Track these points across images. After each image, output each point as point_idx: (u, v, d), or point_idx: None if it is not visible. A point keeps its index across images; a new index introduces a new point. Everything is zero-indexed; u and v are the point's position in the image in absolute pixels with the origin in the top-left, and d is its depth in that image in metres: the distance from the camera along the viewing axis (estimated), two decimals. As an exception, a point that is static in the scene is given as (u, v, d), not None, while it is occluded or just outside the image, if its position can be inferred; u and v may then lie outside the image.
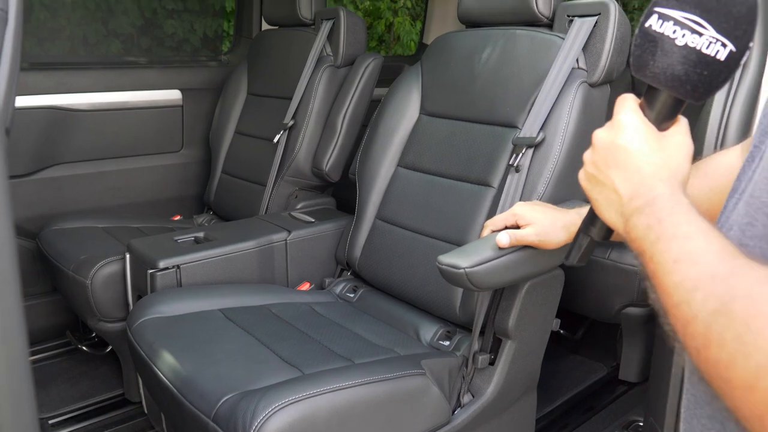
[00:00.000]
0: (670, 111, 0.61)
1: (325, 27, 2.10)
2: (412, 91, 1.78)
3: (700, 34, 0.54)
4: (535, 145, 1.42)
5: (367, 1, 5.92)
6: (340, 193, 2.24)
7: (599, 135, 0.65)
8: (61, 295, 2.12)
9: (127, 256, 1.72)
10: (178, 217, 2.45)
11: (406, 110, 1.78)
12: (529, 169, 1.43)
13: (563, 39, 1.48)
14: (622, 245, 1.94)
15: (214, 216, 2.42)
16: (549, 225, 1.15)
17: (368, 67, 2.03)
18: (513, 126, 1.52)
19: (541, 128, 1.43)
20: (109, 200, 2.41)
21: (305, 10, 2.17)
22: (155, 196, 2.53)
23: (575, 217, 1.12)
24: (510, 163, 1.44)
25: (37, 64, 2.39)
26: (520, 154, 1.43)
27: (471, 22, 1.72)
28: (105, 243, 1.97)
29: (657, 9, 0.57)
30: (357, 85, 2.02)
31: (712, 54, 0.54)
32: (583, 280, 1.97)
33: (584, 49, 1.47)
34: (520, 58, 1.55)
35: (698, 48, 0.55)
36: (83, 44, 4.36)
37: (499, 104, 1.56)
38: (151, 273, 1.58)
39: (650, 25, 0.57)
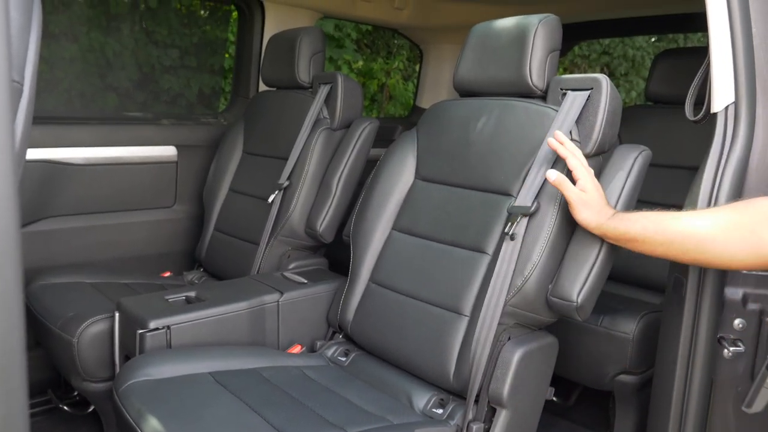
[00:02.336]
0: None
1: (323, 91, 2.14)
2: (408, 156, 1.81)
3: None
4: (530, 214, 1.44)
5: (360, 62, 6.06)
6: (332, 254, 2.24)
7: None
8: (44, 351, 2.07)
9: (116, 314, 1.69)
10: (168, 274, 2.43)
11: (402, 175, 1.80)
12: (524, 237, 1.44)
13: (557, 111, 1.52)
14: (615, 312, 1.95)
15: (205, 273, 2.41)
16: (592, 201, 1.31)
17: (364, 131, 2.06)
18: (507, 194, 1.54)
19: (536, 197, 1.45)
20: (99, 255, 2.40)
21: (303, 74, 2.22)
22: (146, 251, 2.52)
23: (612, 214, 1.30)
24: (505, 231, 1.45)
25: (35, 117, 2.40)
26: (515, 223, 1.44)
27: (467, 92, 1.76)
28: (93, 300, 1.94)
29: None
30: (353, 149, 2.05)
31: None
32: (575, 346, 1.96)
33: (577, 121, 1.51)
34: (515, 128, 1.58)
35: None
36: (80, 97, 4.41)
37: (494, 172, 1.59)
38: (140, 333, 1.56)
39: None
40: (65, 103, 4.29)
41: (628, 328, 1.89)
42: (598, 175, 1.48)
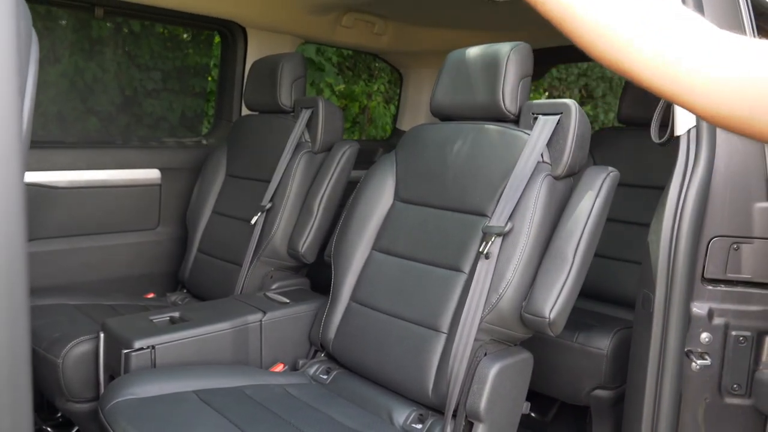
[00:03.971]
0: None
1: (304, 115, 2.20)
2: (387, 178, 1.87)
3: None
4: (504, 234, 1.50)
5: (342, 85, 6.15)
6: (314, 274, 2.28)
7: None
8: (27, 374, 2.08)
9: (101, 335, 1.72)
10: (151, 295, 2.45)
11: (381, 196, 1.86)
12: (498, 256, 1.50)
13: (529, 135, 1.59)
14: (589, 328, 2.01)
15: (188, 294, 2.43)
16: None
17: (345, 154, 2.12)
18: (483, 215, 1.60)
19: (510, 218, 1.51)
20: (82, 276, 2.41)
21: (285, 98, 2.28)
22: (129, 272, 2.54)
23: None
24: (480, 250, 1.51)
25: (19, 142, 2.43)
26: (490, 242, 1.50)
27: (443, 116, 1.83)
28: (78, 321, 1.96)
29: None
30: (334, 171, 2.10)
31: None
32: (552, 362, 2.01)
33: (548, 144, 1.58)
34: (490, 150, 1.65)
35: None
36: (60, 121, 4.43)
37: (470, 194, 1.65)
38: (125, 353, 1.59)
39: None
40: (44, 126, 4.30)
41: (603, 344, 1.95)
42: (566, 197, 1.55)
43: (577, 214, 1.48)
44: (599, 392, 1.98)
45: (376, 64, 6.45)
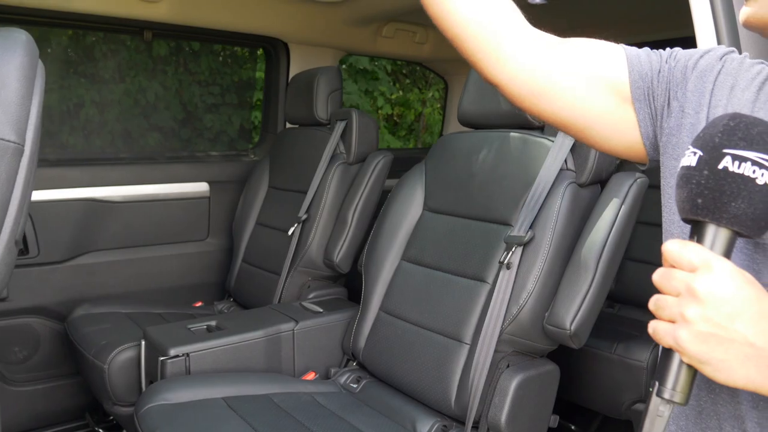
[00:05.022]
0: (732, 249, 0.60)
1: (339, 127, 2.24)
2: (417, 189, 1.88)
3: None
4: (525, 244, 1.48)
5: (396, 93, 6.19)
6: (353, 284, 2.31)
7: (704, 288, 0.56)
8: (82, 378, 2.20)
9: (143, 342, 1.80)
10: (199, 304, 2.54)
11: (411, 206, 1.87)
12: (519, 266, 1.48)
13: (553, 141, 1.57)
14: (629, 339, 1.95)
15: (234, 303, 2.51)
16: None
17: (378, 164, 2.14)
18: (507, 224, 1.59)
19: (531, 227, 1.49)
20: (135, 286, 2.53)
21: (321, 111, 2.33)
22: (180, 282, 2.64)
23: None
24: (501, 260, 1.50)
25: (77, 160, 2.59)
26: (511, 252, 1.49)
27: (470, 124, 1.83)
28: (126, 329, 2.07)
29: (728, 151, 0.56)
30: (367, 182, 2.13)
31: None
32: (590, 374, 1.96)
33: (572, 151, 1.55)
34: (514, 159, 1.64)
35: None
36: (125, 137, 4.66)
37: (494, 203, 1.64)
38: (161, 360, 1.66)
39: (725, 167, 0.56)
40: (111, 143, 4.54)
41: (642, 356, 1.89)
42: (591, 206, 1.52)
43: (601, 222, 1.44)
44: (640, 406, 1.92)
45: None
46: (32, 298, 2.30)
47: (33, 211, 2.30)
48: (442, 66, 3.43)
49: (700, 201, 0.57)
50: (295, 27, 2.71)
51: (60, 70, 4.45)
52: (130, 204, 2.54)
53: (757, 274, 0.68)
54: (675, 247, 0.58)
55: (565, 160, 1.54)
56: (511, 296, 1.47)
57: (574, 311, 1.41)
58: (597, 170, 1.53)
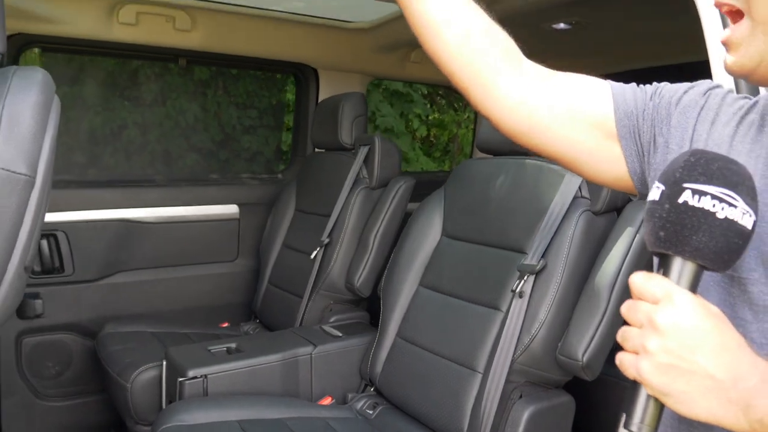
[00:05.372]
0: (698, 282, 0.60)
1: (362, 152, 2.27)
2: (435, 214, 1.89)
3: (735, 207, 0.57)
4: (537, 272, 1.47)
5: (432, 115, 6.22)
6: (375, 307, 2.32)
7: (665, 320, 0.56)
8: (108, 395, 2.27)
9: (164, 363, 1.85)
10: (225, 324, 2.59)
11: (429, 232, 1.88)
12: (531, 294, 1.48)
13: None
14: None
15: (260, 324, 2.55)
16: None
17: (400, 189, 2.16)
18: (521, 251, 1.58)
19: (543, 255, 1.48)
20: (164, 305, 2.60)
21: (346, 137, 2.37)
22: (208, 302, 2.70)
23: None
24: (513, 288, 1.49)
25: (114, 182, 2.69)
26: (523, 280, 1.48)
27: (489, 151, 1.83)
28: (151, 348, 2.12)
29: (688, 185, 0.57)
30: (389, 206, 2.15)
31: (745, 224, 0.57)
32: (608, 404, 1.92)
33: (588, 179, 1.54)
34: (529, 186, 1.64)
35: (736, 220, 0.57)
36: (165, 158, 4.80)
37: (509, 230, 1.64)
38: (180, 381, 1.70)
39: (685, 201, 0.57)
40: (151, 163, 4.68)
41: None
42: (606, 234, 1.50)
43: (615, 251, 1.43)
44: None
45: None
46: (66, 315, 2.38)
47: (70, 231, 2.39)
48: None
49: (662, 234, 0.58)
50: (324, 53, 2.77)
51: (105, 94, 4.63)
52: (162, 225, 2.61)
53: (732, 308, 0.68)
54: (640, 279, 0.59)
55: (580, 188, 1.53)
56: (522, 325, 1.46)
57: (586, 342, 1.39)
58: (612, 198, 1.51)
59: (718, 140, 0.73)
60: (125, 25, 2.30)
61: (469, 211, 1.79)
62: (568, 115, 0.81)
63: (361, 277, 2.13)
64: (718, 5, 0.69)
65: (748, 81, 0.73)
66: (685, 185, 0.58)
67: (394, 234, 2.18)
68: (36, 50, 3.04)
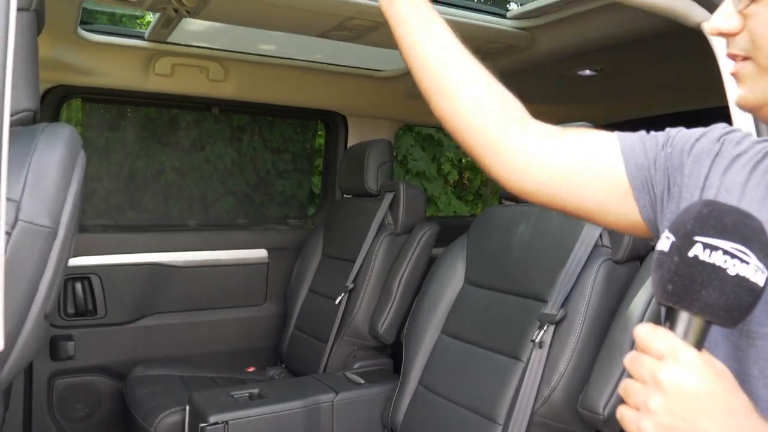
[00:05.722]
0: (705, 337, 0.58)
1: (387, 198, 2.30)
2: (458, 262, 1.89)
3: (747, 263, 0.54)
4: (557, 322, 1.45)
5: (468, 157, 6.25)
6: (400, 354, 2.31)
7: (669, 379, 0.54)
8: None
9: (187, 408, 1.86)
10: (252, 369, 2.60)
11: (452, 279, 1.88)
12: (551, 345, 1.45)
13: (589, 218, 1.55)
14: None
15: (285, 369, 2.56)
16: None
17: (424, 236, 2.17)
18: (542, 300, 1.57)
19: (563, 305, 1.47)
20: (193, 349, 2.63)
21: (371, 183, 2.40)
22: (236, 346, 2.72)
23: None
24: (533, 338, 1.48)
25: (147, 226, 2.77)
26: (543, 330, 1.47)
27: (510, 198, 1.84)
28: (177, 392, 2.14)
29: (699, 239, 0.56)
30: (413, 252, 2.15)
31: (757, 281, 0.55)
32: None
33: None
34: (550, 234, 1.63)
35: (747, 277, 0.54)
36: (201, 202, 4.91)
37: (530, 278, 1.63)
38: (201, 426, 1.71)
39: (696, 255, 0.55)
40: (188, 207, 4.79)
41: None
42: (628, 283, 1.48)
43: (636, 301, 1.40)
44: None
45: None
46: (97, 358, 2.43)
47: (103, 274, 2.46)
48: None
49: (670, 287, 0.56)
50: (353, 101, 2.83)
51: (145, 139, 4.79)
52: (193, 269, 2.66)
53: (741, 363, 0.66)
54: (645, 331, 0.57)
55: (600, 237, 1.52)
56: (542, 376, 1.44)
57: (607, 395, 1.35)
58: (633, 247, 1.49)
59: (730, 187, 0.72)
60: (161, 76, 2.39)
61: (491, 258, 1.78)
62: (577, 171, 0.81)
63: (385, 323, 2.13)
64: (731, 56, 0.70)
65: (756, 117, 0.73)
66: (697, 238, 0.56)
67: (418, 280, 2.18)
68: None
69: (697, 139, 0.78)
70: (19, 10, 0.94)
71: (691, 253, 0.55)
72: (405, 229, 2.26)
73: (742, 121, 1.30)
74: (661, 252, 0.58)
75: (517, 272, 1.68)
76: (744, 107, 0.70)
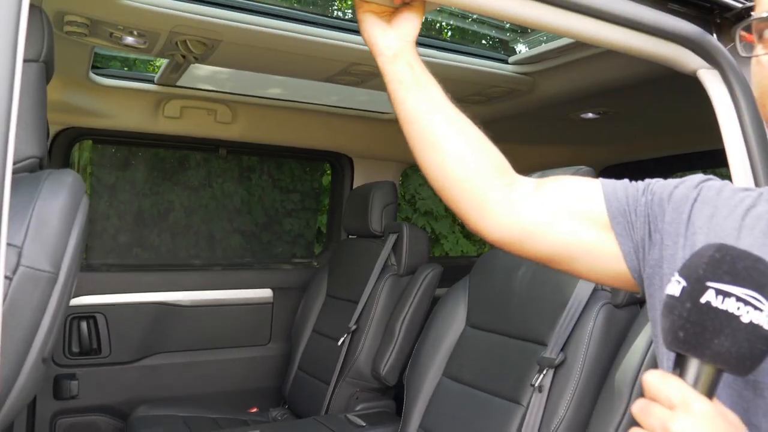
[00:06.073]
0: (716, 386, 0.56)
1: (391, 239, 2.31)
2: (459, 304, 1.89)
3: (761, 311, 0.53)
4: (556, 366, 1.45)
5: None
6: (402, 396, 2.29)
7: (680, 430, 0.52)
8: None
9: (186, 450, 1.86)
10: (255, 409, 2.59)
11: (453, 321, 1.88)
12: (551, 389, 1.45)
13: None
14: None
15: (288, 410, 2.54)
16: None
17: (427, 277, 2.18)
18: (542, 343, 1.57)
19: (562, 348, 1.46)
20: (196, 389, 2.62)
21: (376, 224, 2.42)
22: (239, 386, 2.71)
23: None
24: (532, 383, 1.47)
25: (152, 265, 2.79)
26: (543, 374, 1.46)
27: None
28: (177, 434, 2.13)
29: (712, 285, 0.54)
30: (416, 294, 2.16)
31: None
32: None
33: (609, 272, 1.53)
34: (550, 277, 1.63)
35: (761, 324, 0.53)
36: (208, 239, 4.94)
37: (531, 321, 1.63)
38: (200, 470, 1.70)
39: (708, 302, 0.54)
40: (195, 245, 4.83)
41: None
42: (628, 327, 1.47)
43: (636, 346, 1.39)
44: None
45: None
46: (100, 397, 2.43)
47: (109, 313, 2.48)
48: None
49: (681, 334, 0.54)
50: (359, 142, 2.87)
51: (154, 178, 4.86)
52: (197, 308, 2.67)
53: (746, 413, 0.65)
54: (655, 379, 0.55)
55: (601, 281, 1.52)
56: (542, 421, 1.43)
57: (607, 441, 1.34)
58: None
59: (721, 234, 0.72)
60: (170, 118, 2.44)
61: (492, 301, 1.79)
62: (560, 218, 0.82)
63: (387, 365, 2.13)
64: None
65: None
66: (709, 284, 0.54)
67: (420, 322, 2.17)
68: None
69: (675, 187, 0.79)
70: (27, 61, 0.98)
71: (703, 299, 0.54)
72: (408, 270, 2.27)
73: (738, 163, 1.32)
74: (672, 297, 0.56)
75: (518, 315, 1.68)
76: None
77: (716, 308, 0.53)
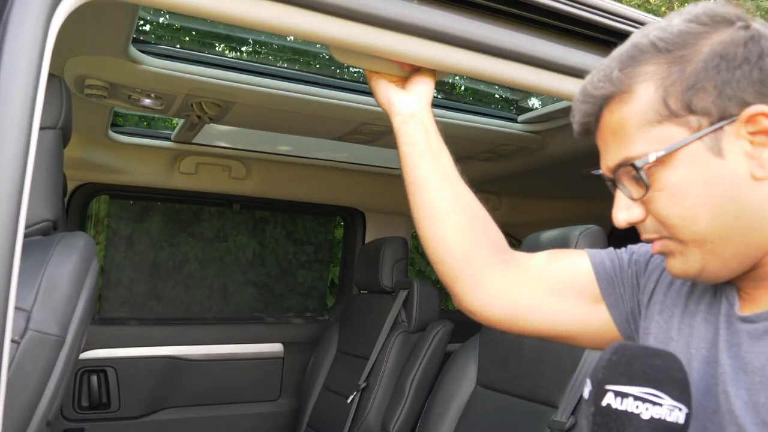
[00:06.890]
0: None
1: (401, 295, 2.31)
2: (470, 362, 1.87)
3: (661, 405, 0.57)
4: (567, 430, 1.42)
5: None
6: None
7: None
8: None
9: None
10: (263, 468, 2.55)
11: (464, 380, 1.85)
12: (562, 455, 1.41)
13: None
14: None
15: (297, 469, 2.50)
16: None
17: (438, 334, 2.16)
18: (553, 406, 1.54)
19: (573, 412, 1.44)
20: (205, 445, 2.59)
21: (386, 280, 2.42)
22: (248, 443, 2.67)
23: None
24: (542, 448, 1.44)
25: (162, 319, 2.80)
26: (553, 439, 1.43)
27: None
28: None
29: (610, 387, 0.58)
30: (426, 351, 2.14)
31: (675, 420, 0.57)
32: None
33: (620, 333, 1.51)
34: (561, 338, 1.61)
35: (663, 418, 0.56)
36: (222, 292, 4.95)
37: (541, 383, 1.60)
38: None
39: (609, 404, 0.57)
40: (208, 297, 4.84)
41: None
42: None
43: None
44: None
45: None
46: (109, 453, 2.41)
47: (119, 367, 2.47)
48: (517, 230, 3.49)
49: None
50: (371, 198, 2.90)
51: (170, 230, 4.91)
52: (208, 362, 2.66)
53: None
54: None
55: (612, 342, 1.50)
56: (553, 489, 1.39)
57: None
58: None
59: (670, 305, 0.75)
60: (185, 174, 2.49)
61: (503, 361, 1.77)
62: (553, 297, 0.83)
63: (397, 424, 2.09)
64: (646, 240, 0.71)
65: (697, 281, 0.72)
66: (607, 387, 0.58)
67: (431, 379, 2.15)
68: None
69: (652, 256, 0.80)
70: (44, 128, 1.01)
71: (604, 402, 0.58)
72: (419, 326, 2.25)
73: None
74: (584, 400, 0.61)
75: (528, 376, 1.65)
76: (686, 277, 0.70)
77: (616, 410, 0.57)
